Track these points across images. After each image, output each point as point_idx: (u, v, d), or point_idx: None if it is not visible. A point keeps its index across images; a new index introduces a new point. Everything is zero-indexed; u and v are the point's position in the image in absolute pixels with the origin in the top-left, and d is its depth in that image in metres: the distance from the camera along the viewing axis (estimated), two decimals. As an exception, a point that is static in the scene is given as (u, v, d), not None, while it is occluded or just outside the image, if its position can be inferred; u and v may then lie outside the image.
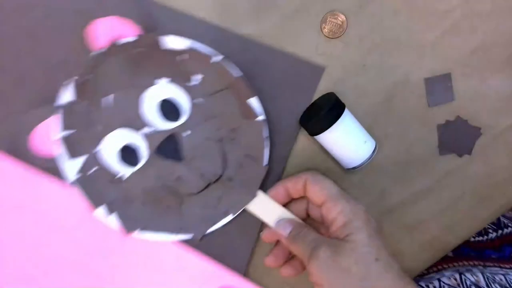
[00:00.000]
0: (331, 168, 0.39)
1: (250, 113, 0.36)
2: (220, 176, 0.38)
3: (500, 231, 0.51)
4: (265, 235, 0.38)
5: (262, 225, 0.39)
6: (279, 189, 0.37)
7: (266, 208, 0.37)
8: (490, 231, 0.52)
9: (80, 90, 0.36)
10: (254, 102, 0.36)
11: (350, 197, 0.34)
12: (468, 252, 0.51)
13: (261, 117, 0.36)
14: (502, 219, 0.52)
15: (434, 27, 0.38)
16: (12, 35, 0.37)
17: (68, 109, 0.36)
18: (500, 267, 0.48)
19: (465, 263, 0.49)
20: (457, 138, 0.39)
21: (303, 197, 0.37)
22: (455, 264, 0.50)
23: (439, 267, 0.50)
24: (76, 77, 0.35)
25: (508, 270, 0.46)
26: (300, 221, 0.36)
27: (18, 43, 0.37)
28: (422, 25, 0.38)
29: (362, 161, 0.36)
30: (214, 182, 0.38)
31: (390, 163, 0.39)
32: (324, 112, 0.34)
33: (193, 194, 0.38)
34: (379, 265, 0.30)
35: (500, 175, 0.39)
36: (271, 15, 0.37)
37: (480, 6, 0.37)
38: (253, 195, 0.37)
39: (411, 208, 0.40)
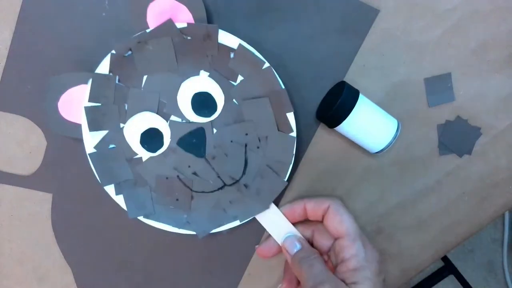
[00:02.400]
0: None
1: (285, 126, 0.36)
2: (237, 180, 0.37)
3: None
4: (261, 249, 0.38)
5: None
6: (298, 207, 0.36)
7: (275, 222, 0.37)
8: None
9: (115, 65, 0.35)
10: (291, 117, 0.35)
11: (366, 239, 0.34)
12: None
13: (294, 133, 0.36)
14: None
15: (434, 27, 0.38)
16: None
17: (98, 81, 0.35)
18: None
19: None
20: (457, 138, 0.39)
21: (310, 224, 0.37)
22: None
23: None
24: (113, 51, 0.34)
25: None
26: (309, 245, 0.36)
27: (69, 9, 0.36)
28: (422, 25, 0.38)
29: (388, 142, 0.36)
30: (230, 185, 0.37)
31: (390, 163, 0.39)
32: (339, 102, 0.34)
33: (205, 192, 0.38)
34: None
35: (500, 175, 0.39)
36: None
37: (480, 6, 0.37)
38: (265, 207, 0.36)
39: (411, 208, 0.40)
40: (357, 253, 0.32)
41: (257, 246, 0.38)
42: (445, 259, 1.00)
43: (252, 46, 0.35)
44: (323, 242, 0.36)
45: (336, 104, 0.34)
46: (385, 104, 0.38)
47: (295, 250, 0.35)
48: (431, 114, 0.39)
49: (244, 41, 0.35)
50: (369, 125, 0.35)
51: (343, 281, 0.32)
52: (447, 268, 1.00)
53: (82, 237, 0.40)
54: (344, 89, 0.34)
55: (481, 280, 1.14)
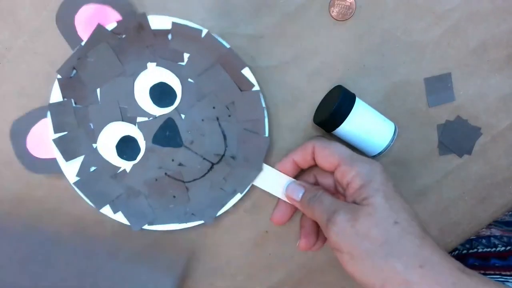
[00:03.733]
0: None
1: (245, 84, 0.35)
2: (222, 155, 0.37)
3: (509, 247, 0.50)
4: (274, 216, 0.37)
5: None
6: (286, 163, 0.36)
7: (274, 181, 0.36)
8: (500, 245, 0.51)
9: (65, 88, 0.35)
10: (247, 73, 0.35)
11: (363, 157, 0.33)
12: (473, 262, 0.50)
13: (256, 87, 0.35)
14: None
15: (434, 27, 0.38)
16: None
17: (55, 110, 0.35)
18: (501, 274, 0.47)
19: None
20: (457, 138, 0.39)
21: (310, 168, 0.36)
22: None
23: None
24: (58, 76, 0.34)
25: (508, 277, 0.46)
26: (311, 185, 0.35)
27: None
28: (422, 25, 0.38)
29: (385, 145, 0.36)
30: (217, 162, 0.37)
31: (389, 163, 0.39)
32: (336, 106, 0.34)
33: (197, 178, 0.37)
34: (398, 228, 0.29)
35: (500, 175, 0.39)
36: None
37: (480, 6, 0.37)
38: (258, 170, 0.36)
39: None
40: (359, 171, 0.31)
41: (271, 217, 0.37)
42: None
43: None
44: (328, 181, 0.35)
45: (333, 108, 0.34)
46: (385, 104, 0.38)
47: (300, 195, 0.34)
48: (431, 114, 0.39)
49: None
50: (366, 129, 0.35)
51: (354, 202, 0.31)
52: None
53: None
54: (341, 93, 0.34)
55: (482, 281, 1.13)
